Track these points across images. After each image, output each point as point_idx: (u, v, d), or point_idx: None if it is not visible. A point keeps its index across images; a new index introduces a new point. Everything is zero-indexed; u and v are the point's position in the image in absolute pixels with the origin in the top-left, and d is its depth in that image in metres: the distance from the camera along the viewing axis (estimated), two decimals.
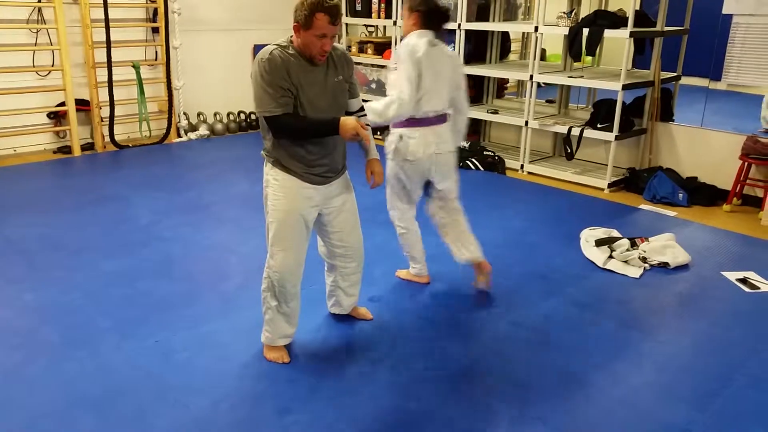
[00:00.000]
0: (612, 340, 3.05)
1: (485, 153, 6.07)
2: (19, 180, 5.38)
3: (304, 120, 2.51)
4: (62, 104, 6.13)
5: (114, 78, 6.22)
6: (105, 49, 6.11)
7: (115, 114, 6.34)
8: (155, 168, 5.81)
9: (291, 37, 2.51)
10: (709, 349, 3.00)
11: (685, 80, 5.92)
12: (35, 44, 5.97)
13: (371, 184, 2.87)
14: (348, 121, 2.50)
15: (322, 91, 2.54)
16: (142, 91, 6.37)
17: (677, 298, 3.53)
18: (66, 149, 6.24)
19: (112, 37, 6.13)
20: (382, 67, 7.05)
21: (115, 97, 6.28)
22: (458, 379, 2.68)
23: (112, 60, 6.16)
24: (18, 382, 2.61)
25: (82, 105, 6.28)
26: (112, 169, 5.84)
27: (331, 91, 2.58)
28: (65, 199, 4.90)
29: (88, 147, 6.37)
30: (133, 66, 6.29)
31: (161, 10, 6.49)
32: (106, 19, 6.04)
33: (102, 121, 6.37)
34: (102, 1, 5.99)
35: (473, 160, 6.02)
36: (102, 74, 6.22)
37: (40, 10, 5.90)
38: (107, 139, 6.42)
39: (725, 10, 5.05)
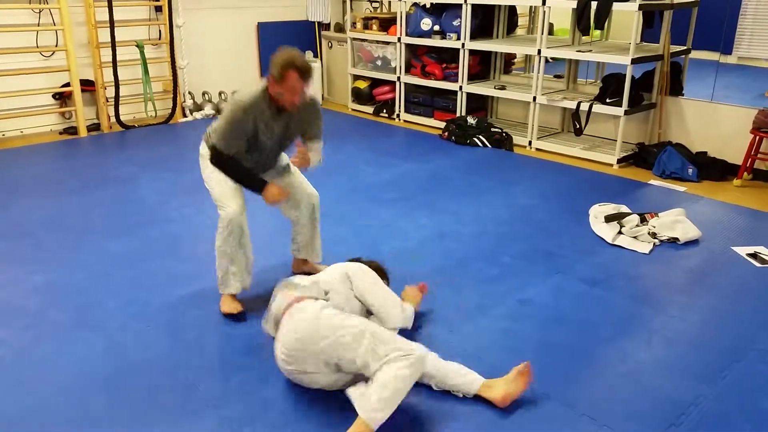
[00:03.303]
0: (621, 315, 3.03)
1: (492, 129, 6.02)
2: (26, 161, 5.39)
3: (239, 170, 2.89)
4: (67, 85, 6.11)
5: (118, 58, 6.19)
6: (108, 29, 6.07)
7: (120, 94, 6.31)
8: (161, 148, 5.80)
9: (266, 86, 2.82)
10: (719, 324, 2.98)
11: (695, 54, 5.83)
12: (38, 24, 5.93)
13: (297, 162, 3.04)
14: (272, 190, 2.89)
15: (279, 135, 2.94)
16: (146, 71, 6.34)
17: (687, 273, 3.51)
18: (72, 130, 6.24)
19: (115, 17, 6.08)
20: (388, 43, 6.98)
21: (120, 77, 6.25)
22: (467, 354, 2.67)
23: (116, 39, 6.12)
24: (28, 363, 2.63)
25: (87, 85, 6.26)
26: (118, 150, 5.84)
27: (281, 139, 2.98)
28: (72, 180, 4.90)
29: (93, 127, 6.36)
30: (137, 45, 6.25)
31: None
32: None
33: (107, 101, 6.34)
34: None
35: (480, 136, 5.97)
36: (106, 54, 6.19)
37: None
38: (113, 119, 6.40)
39: None
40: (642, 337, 2.86)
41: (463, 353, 2.68)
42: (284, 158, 3.22)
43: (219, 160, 2.88)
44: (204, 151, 2.99)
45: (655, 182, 5.04)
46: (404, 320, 2.71)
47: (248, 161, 2.93)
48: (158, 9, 6.62)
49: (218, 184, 2.95)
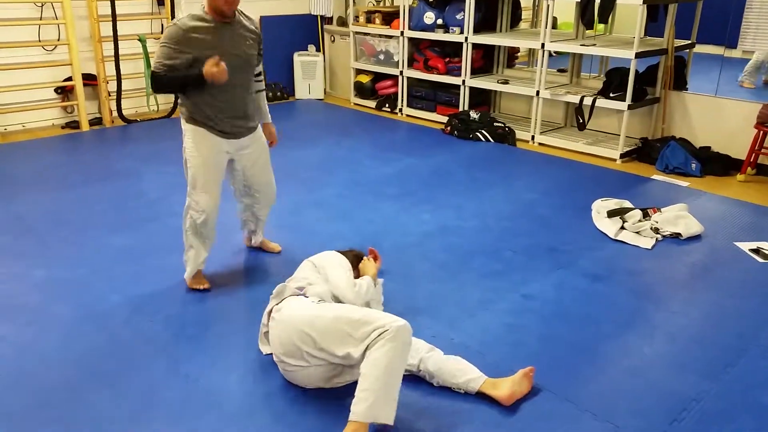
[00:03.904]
0: (624, 311, 3.03)
1: (495, 124, 6.00)
2: (28, 155, 5.38)
3: (177, 78, 2.83)
4: (69, 79, 6.11)
5: (120, 52, 6.18)
6: (111, 23, 6.06)
7: (123, 88, 6.31)
8: (163, 142, 5.80)
9: (204, 6, 2.83)
10: (721, 320, 2.97)
11: (700, 48, 5.80)
12: (40, 18, 5.92)
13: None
14: (208, 67, 2.74)
15: (228, 48, 2.86)
16: (148, 65, 6.31)
17: (690, 268, 3.50)
18: (74, 124, 6.24)
19: (118, 11, 6.07)
20: (390, 37, 6.96)
21: (122, 72, 6.25)
22: (469, 350, 2.67)
23: (118, 34, 6.11)
24: (30, 358, 2.63)
25: (89, 79, 6.25)
26: (120, 144, 5.83)
27: (236, 50, 2.90)
28: (74, 174, 4.90)
29: (96, 122, 6.36)
30: (140, 39, 6.24)
31: None
32: None
33: (109, 95, 6.34)
34: None
35: (483, 131, 5.95)
36: (108, 48, 6.18)
37: None
38: (115, 113, 6.40)
39: None
40: (645, 333, 2.85)
41: (465, 349, 2.68)
42: (260, 133, 3.21)
43: (157, 82, 2.85)
44: (184, 126, 3.03)
45: (658, 177, 5.02)
46: (358, 296, 2.57)
47: (216, 92, 2.88)
48: (160, 3, 6.60)
49: (198, 167, 3.00)
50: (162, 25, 6.69)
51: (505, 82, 6.20)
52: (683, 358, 2.67)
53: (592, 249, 3.68)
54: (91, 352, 2.67)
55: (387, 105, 7.22)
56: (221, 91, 2.90)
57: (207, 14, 2.84)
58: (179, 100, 3.03)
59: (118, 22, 6.09)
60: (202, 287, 3.16)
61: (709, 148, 5.25)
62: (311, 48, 7.87)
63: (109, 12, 6.03)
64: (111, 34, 6.09)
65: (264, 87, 3.29)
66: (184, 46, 2.79)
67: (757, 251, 3.66)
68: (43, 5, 5.90)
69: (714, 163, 5.09)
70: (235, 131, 3.02)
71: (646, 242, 3.75)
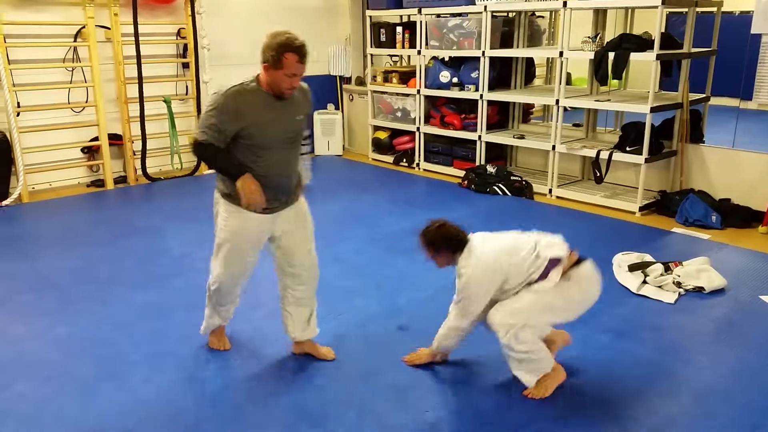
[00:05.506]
0: (648, 367, 2.97)
1: (512, 178, 6.04)
2: (54, 214, 5.50)
3: (217, 157, 2.67)
4: (96, 139, 6.29)
5: (146, 112, 6.38)
6: (137, 85, 6.27)
7: (147, 147, 6.48)
8: (187, 200, 5.90)
9: (257, 75, 2.65)
10: (748, 376, 2.90)
11: (715, 101, 5.84)
12: (71, 82, 6.15)
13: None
14: (249, 182, 2.61)
15: (277, 126, 2.67)
16: (173, 125, 6.51)
17: (714, 323, 3.44)
18: (99, 183, 6.39)
19: (144, 73, 6.30)
20: (407, 95, 7.10)
21: (147, 131, 6.43)
22: (487, 405, 2.63)
23: (144, 95, 6.32)
24: (47, 417, 2.63)
25: (115, 139, 6.43)
26: (145, 202, 5.95)
27: (285, 127, 2.71)
28: (98, 232, 4.99)
29: (120, 180, 6.50)
30: (165, 101, 6.44)
31: (191, 46, 6.66)
32: (138, 56, 6.21)
33: (134, 154, 6.51)
34: (134, 39, 6.17)
35: (500, 185, 5.99)
36: (134, 109, 6.38)
37: (75, 49, 6.09)
38: (139, 172, 6.55)
39: (754, 30, 4.98)
40: (670, 390, 2.79)
41: (483, 405, 2.64)
42: (304, 206, 2.95)
43: (198, 149, 2.67)
44: (217, 196, 2.83)
45: (679, 230, 4.99)
46: None
47: (260, 166, 2.66)
48: (185, 66, 6.84)
49: (224, 241, 2.80)
50: (186, 86, 6.91)
51: (521, 137, 6.26)
52: (711, 417, 2.60)
53: (615, 304, 3.64)
54: (109, 411, 2.66)
55: (404, 160, 7.32)
56: (263, 167, 2.68)
57: (260, 87, 2.64)
58: (216, 187, 2.83)
59: (144, 84, 6.31)
60: (222, 348, 3.14)
61: (729, 200, 5.22)
62: (330, 106, 8.06)
63: (136, 75, 6.25)
64: (137, 95, 6.30)
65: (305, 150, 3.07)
66: (232, 117, 2.58)
67: None
68: (73, 69, 6.14)
69: (734, 216, 5.06)
70: (274, 206, 2.77)
71: (669, 296, 3.71)
